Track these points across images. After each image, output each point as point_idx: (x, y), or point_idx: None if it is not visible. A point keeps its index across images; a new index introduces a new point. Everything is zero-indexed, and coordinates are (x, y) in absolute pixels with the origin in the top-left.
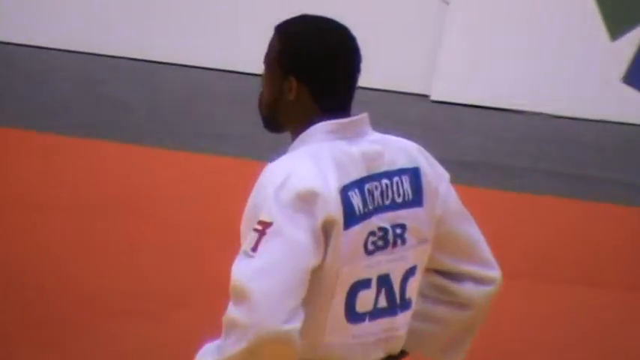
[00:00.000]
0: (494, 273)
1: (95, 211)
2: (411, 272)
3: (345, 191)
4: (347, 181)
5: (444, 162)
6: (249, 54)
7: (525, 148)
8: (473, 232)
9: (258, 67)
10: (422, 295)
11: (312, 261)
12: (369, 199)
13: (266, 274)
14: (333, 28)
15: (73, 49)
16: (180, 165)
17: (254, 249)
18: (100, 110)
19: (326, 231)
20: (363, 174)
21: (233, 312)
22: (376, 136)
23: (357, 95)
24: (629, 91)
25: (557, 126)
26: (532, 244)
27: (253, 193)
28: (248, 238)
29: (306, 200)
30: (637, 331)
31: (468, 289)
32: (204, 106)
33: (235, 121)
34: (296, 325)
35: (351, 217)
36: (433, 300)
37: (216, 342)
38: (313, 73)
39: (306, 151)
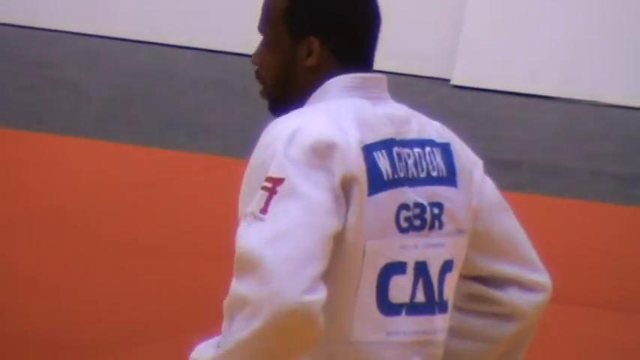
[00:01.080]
0: (544, 278)
1: (35, 222)
2: (448, 266)
3: (368, 149)
4: (371, 139)
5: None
6: (231, 30)
7: (569, 143)
8: (515, 228)
9: (241, 45)
10: (458, 308)
11: (335, 224)
12: (399, 164)
13: (280, 239)
14: None
15: (13, 22)
16: (147, 164)
17: (263, 210)
18: (48, 97)
19: (346, 191)
20: (391, 135)
21: (240, 287)
22: (398, 104)
23: None
24: None
25: (605, 116)
26: (575, 259)
27: (255, 154)
28: (255, 199)
29: (322, 153)
30: None
31: (513, 296)
32: (175, 91)
33: (214, 110)
34: (319, 296)
35: (377, 181)
36: (472, 313)
37: (214, 338)
38: (337, 27)
39: (319, 107)
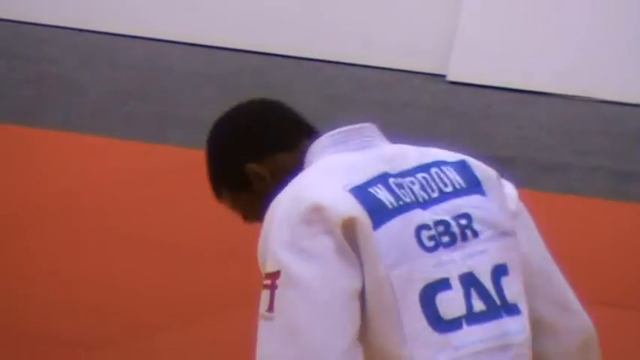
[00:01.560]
0: (583, 321)
1: (25, 218)
2: (501, 271)
3: (359, 189)
4: (360, 180)
5: (471, 156)
6: (228, 26)
7: (564, 139)
8: (550, 259)
9: (238, 41)
10: None
11: (349, 282)
12: (401, 192)
13: (296, 332)
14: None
15: (9, 17)
16: (144, 159)
17: (270, 309)
18: (45, 92)
19: (352, 239)
20: (384, 170)
21: None
22: (396, 144)
23: (356, 77)
24: None
25: (601, 113)
26: (571, 256)
27: (261, 236)
28: (262, 300)
29: (312, 220)
30: None
31: (546, 347)
32: (172, 87)
33: (211, 105)
34: None
35: (380, 212)
36: None
37: None
38: (256, 137)
39: (301, 177)
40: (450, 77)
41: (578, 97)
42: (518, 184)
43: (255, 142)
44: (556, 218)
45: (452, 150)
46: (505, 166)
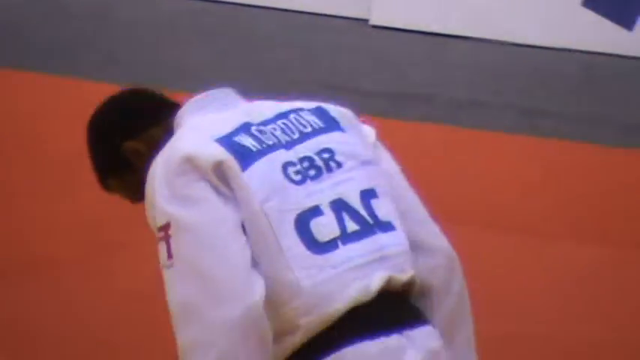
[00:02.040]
0: (448, 244)
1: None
2: (370, 194)
3: (225, 138)
4: (224, 132)
5: (392, 96)
6: None
7: (480, 79)
8: (408, 187)
9: None
10: None
11: (231, 216)
12: (264, 137)
13: (195, 272)
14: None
15: None
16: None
17: (169, 257)
18: None
19: (222, 180)
20: (245, 121)
21: (186, 336)
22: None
23: (279, 20)
24: (590, 15)
25: (512, 54)
26: (481, 189)
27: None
28: (160, 253)
29: (185, 170)
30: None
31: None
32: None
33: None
34: (259, 290)
35: (246, 156)
36: None
37: None
38: (128, 118)
39: (175, 135)
40: (373, 21)
41: (494, 40)
42: (438, 119)
43: (127, 122)
44: (473, 152)
45: (376, 90)
46: (422, 102)
